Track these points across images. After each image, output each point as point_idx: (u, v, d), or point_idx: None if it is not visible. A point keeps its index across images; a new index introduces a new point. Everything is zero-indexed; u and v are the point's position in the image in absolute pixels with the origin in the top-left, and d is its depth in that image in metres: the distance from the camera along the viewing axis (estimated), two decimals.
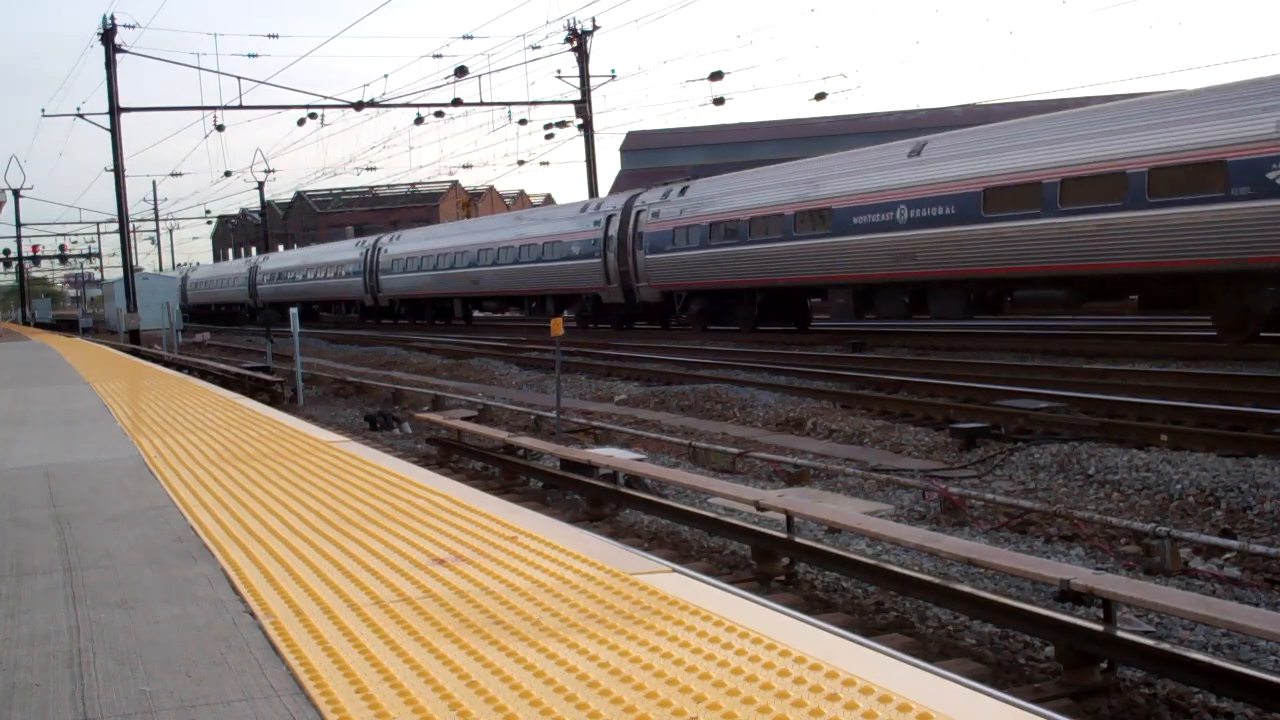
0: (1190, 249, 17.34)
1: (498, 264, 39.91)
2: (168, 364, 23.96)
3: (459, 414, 16.49)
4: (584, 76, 43.01)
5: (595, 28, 42.65)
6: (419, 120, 44.07)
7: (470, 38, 62.95)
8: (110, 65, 38.37)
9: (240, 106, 39.66)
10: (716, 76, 38.68)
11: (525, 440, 12.75)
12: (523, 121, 44.36)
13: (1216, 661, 5.17)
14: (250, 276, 65.74)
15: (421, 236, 48.85)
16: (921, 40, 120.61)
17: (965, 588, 6.46)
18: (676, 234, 30.58)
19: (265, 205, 75.29)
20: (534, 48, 44.83)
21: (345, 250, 54.96)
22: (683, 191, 31.26)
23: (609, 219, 34.28)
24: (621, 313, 34.41)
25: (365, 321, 51.67)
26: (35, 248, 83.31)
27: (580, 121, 43.97)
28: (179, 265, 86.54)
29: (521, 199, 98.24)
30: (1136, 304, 21.01)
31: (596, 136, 44.37)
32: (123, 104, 38.97)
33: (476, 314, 47.29)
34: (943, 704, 2.52)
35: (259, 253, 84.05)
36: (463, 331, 40.84)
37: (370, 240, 52.09)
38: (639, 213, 32.69)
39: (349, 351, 34.18)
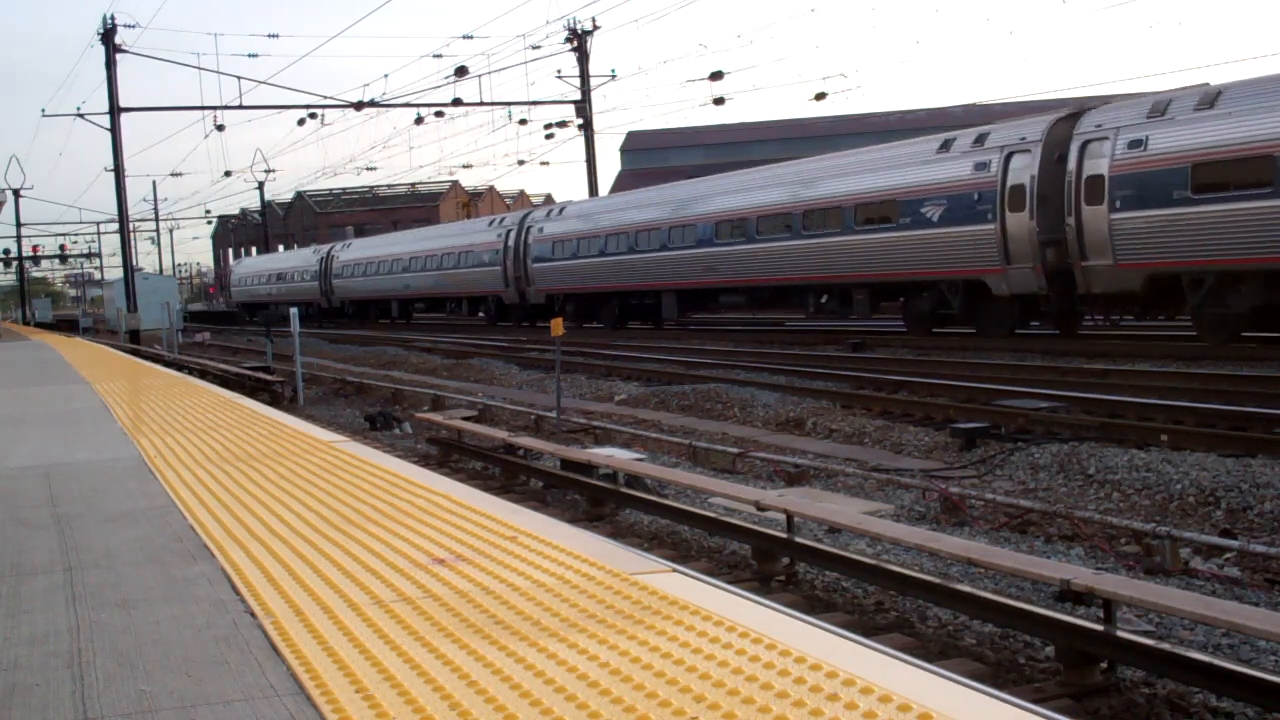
0: None
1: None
2: (168, 364, 23.97)
3: (459, 414, 16.49)
4: (584, 76, 43.03)
5: (595, 28, 42.75)
6: (419, 120, 44.15)
7: (470, 38, 62.99)
8: (110, 65, 38.38)
9: (240, 106, 39.71)
10: (716, 76, 38.72)
11: (525, 440, 12.74)
12: (523, 121, 44.42)
13: (1216, 661, 5.17)
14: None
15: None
16: (921, 40, 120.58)
17: (965, 588, 6.46)
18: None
19: (265, 205, 75.28)
20: (534, 48, 44.79)
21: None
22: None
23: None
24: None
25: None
26: (35, 248, 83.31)
27: (580, 121, 44.01)
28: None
29: (521, 199, 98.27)
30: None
31: (596, 136, 44.45)
32: (123, 104, 39.00)
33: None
34: (943, 704, 2.52)
35: (258, 254, 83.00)
36: (463, 331, 40.88)
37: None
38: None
39: (349, 351, 34.20)
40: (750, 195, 28.08)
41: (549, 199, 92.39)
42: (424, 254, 47.28)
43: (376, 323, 53.28)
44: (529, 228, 38.30)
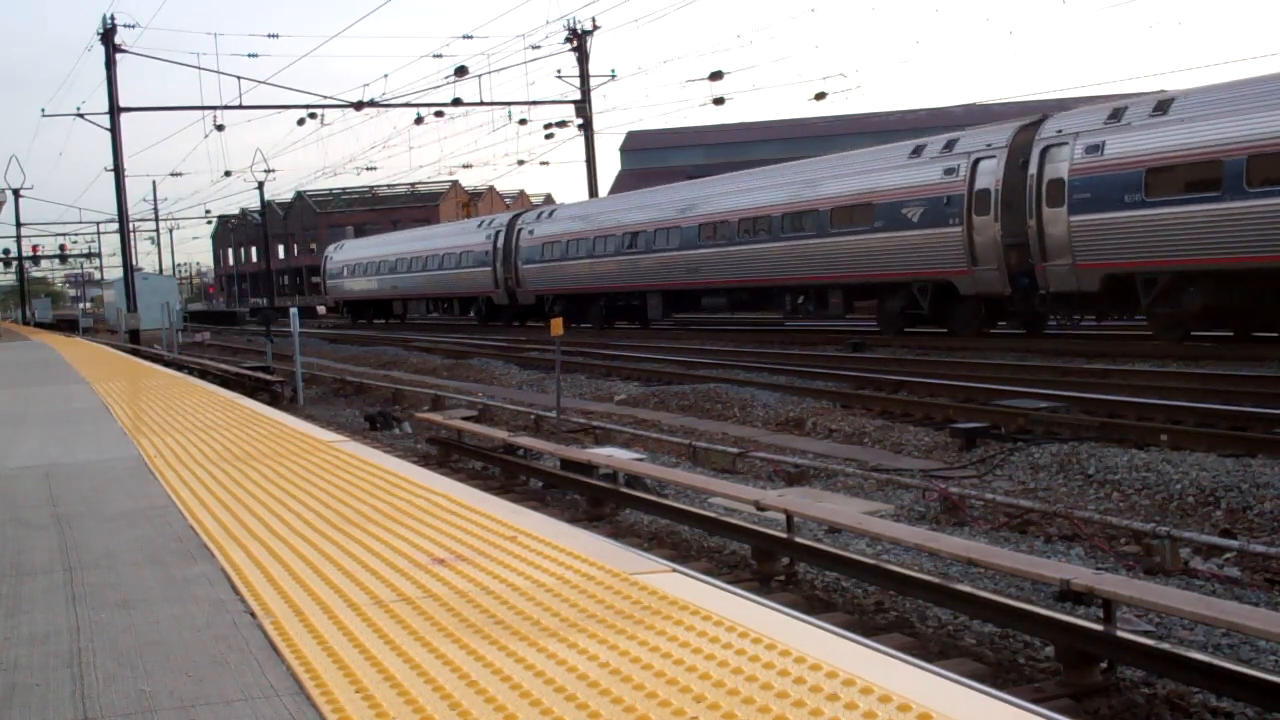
0: None
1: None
2: (168, 364, 23.97)
3: (459, 414, 16.49)
4: (584, 76, 43.04)
5: (595, 28, 42.79)
6: (419, 120, 44.14)
7: (470, 38, 63.15)
8: (110, 65, 38.39)
9: (240, 106, 39.71)
10: (716, 76, 38.71)
11: (525, 440, 12.74)
12: (523, 121, 44.42)
13: (1216, 661, 5.17)
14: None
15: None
16: (921, 40, 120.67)
17: (965, 587, 6.46)
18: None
19: (265, 205, 75.25)
20: (534, 48, 44.68)
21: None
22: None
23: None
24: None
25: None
26: (35, 248, 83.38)
27: (580, 121, 44.01)
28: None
29: (521, 199, 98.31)
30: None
31: (596, 136, 44.50)
32: (123, 104, 39.01)
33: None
34: (943, 704, 2.52)
35: (258, 254, 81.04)
36: (462, 331, 40.84)
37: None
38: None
39: (349, 351, 34.19)
40: None
41: (549, 199, 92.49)
42: (736, 215, 28.75)
43: (605, 327, 35.33)
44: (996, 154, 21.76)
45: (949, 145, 23.04)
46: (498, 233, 40.60)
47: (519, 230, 39.33)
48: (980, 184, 21.96)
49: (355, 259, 54.36)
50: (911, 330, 24.42)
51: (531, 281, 38.48)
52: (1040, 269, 20.62)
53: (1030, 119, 21.71)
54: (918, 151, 23.78)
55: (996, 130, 22.32)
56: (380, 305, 53.18)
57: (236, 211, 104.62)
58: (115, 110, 38.73)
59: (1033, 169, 20.60)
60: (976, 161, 22.13)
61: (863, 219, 24.57)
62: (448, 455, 13.72)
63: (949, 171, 22.68)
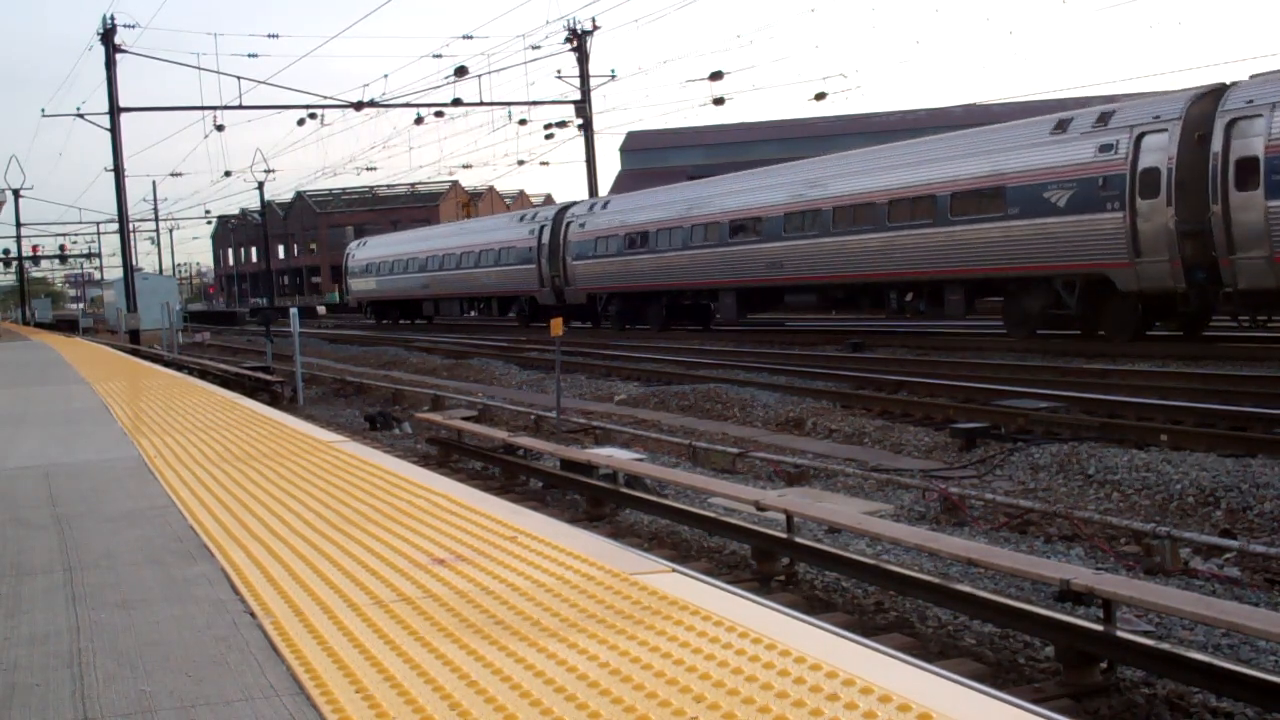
0: None
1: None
2: (168, 364, 23.97)
3: (459, 414, 16.49)
4: (584, 76, 43.05)
5: (595, 28, 42.79)
6: (419, 120, 44.16)
7: (470, 38, 63.11)
8: (110, 65, 38.41)
9: (240, 106, 39.72)
10: (716, 76, 38.73)
11: (525, 440, 12.74)
12: (523, 121, 44.43)
13: (1216, 661, 5.17)
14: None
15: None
16: (921, 40, 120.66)
17: (965, 588, 6.46)
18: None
19: (265, 205, 75.20)
20: (534, 48, 44.66)
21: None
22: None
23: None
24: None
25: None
26: (35, 248, 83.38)
27: (580, 121, 44.02)
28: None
29: (521, 199, 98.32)
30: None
31: (596, 136, 44.51)
32: (123, 104, 39.04)
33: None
34: (943, 704, 2.52)
35: (258, 254, 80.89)
36: (463, 331, 40.84)
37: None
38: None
39: (349, 351, 34.19)
40: None
41: (548, 199, 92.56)
42: (829, 203, 25.22)
43: (666, 329, 31.63)
44: None
45: (1103, 118, 19.59)
46: (543, 227, 36.91)
47: (568, 224, 35.60)
48: (1146, 162, 18.45)
49: (381, 256, 50.17)
50: (1044, 333, 21.25)
51: (582, 279, 34.68)
52: (1226, 263, 17.34)
53: (1206, 87, 18.48)
54: (1062, 126, 20.30)
55: (1165, 101, 19.00)
56: (409, 305, 49.29)
57: (236, 211, 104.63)
58: (115, 110, 38.75)
59: (1216, 145, 17.34)
60: (1140, 136, 18.64)
61: (992, 205, 21.16)
62: (448, 455, 13.72)
63: (1105, 148, 19.15)
